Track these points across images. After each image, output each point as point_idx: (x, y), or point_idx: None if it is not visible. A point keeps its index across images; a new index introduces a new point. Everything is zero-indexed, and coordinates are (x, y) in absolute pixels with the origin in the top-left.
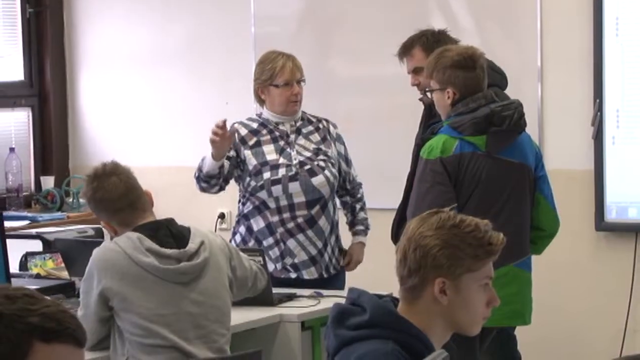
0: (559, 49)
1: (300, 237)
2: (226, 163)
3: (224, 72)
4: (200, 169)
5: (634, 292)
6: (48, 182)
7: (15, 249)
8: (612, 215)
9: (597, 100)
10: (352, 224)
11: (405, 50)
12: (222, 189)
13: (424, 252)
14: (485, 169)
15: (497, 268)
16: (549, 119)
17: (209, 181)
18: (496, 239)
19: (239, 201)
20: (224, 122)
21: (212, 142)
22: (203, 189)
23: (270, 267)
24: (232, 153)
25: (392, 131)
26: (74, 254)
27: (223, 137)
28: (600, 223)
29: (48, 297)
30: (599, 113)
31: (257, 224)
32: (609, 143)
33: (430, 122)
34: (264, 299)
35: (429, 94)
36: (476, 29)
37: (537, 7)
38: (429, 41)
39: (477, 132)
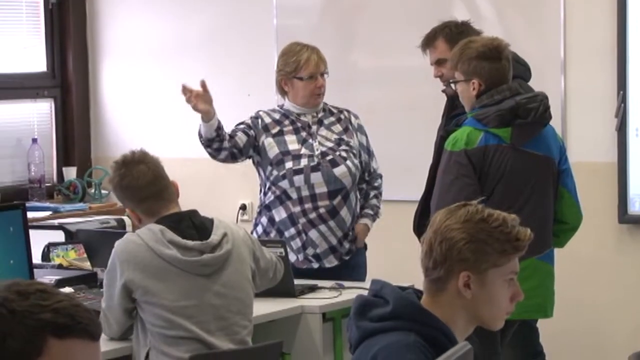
0: (582, 41)
1: (322, 227)
2: (241, 135)
3: (245, 64)
4: (200, 136)
5: None
6: (70, 173)
7: (38, 240)
8: (635, 207)
9: (621, 92)
10: (362, 208)
11: (429, 42)
12: (233, 156)
13: (450, 245)
14: (509, 162)
15: (522, 260)
16: (572, 111)
17: (211, 145)
18: (523, 234)
19: (260, 191)
20: (203, 82)
21: (188, 103)
22: (212, 156)
23: (292, 257)
24: (251, 132)
25: (414, 123)
26: (96, 244)
27: (197, 97)
28: (624, 215)
29: (64, 290)
30: (622, 105)
31: (279, 214)
32: (632, 135)
33: (452, 113)
34: (285, 291)
35: (453, 86)
36: (498, 19)
37: (562, 3)
38: (452, 32)
39: (502, 125)
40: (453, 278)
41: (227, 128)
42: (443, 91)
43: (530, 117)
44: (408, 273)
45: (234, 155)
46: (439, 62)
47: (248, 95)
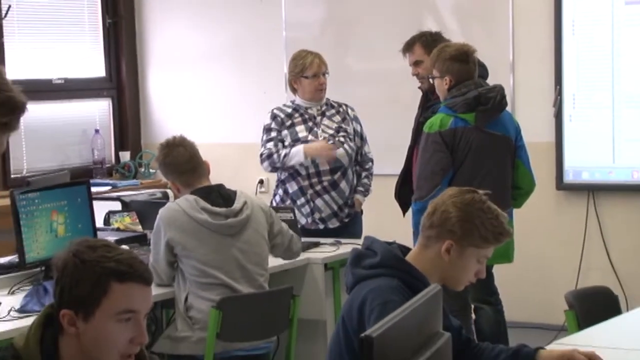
0: (526, 47)
1: (326, 197)
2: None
3: (261, 68)
4: (276, 162)
5: (587, 239)
6: (125, 156)
7: (100, 209)
8: (569, 177)
9: (558, 87)
10: (356, 186)
11: (408, 47)
12: None
13: (447, 216)
14: (474, 140)
15: None
16: (519, 102)
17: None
18: (507, 233)
19: (279, 172)
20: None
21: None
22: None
23: (302, 220)
24: (279, 136)
25: (396, 113)
26: (146, 212)
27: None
28: (560, 184)
29: (124, 246)
30: (558, 97)
31: (292, 187)
32: (567, 120)
33: (427, 105)
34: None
35: (431, 80)
36: (461, 30)
37: (510, 14)
38: (428, 40)
39: (468, 110)
40: (439, 241)
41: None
42: (419, 87)
43: (490, 104)
44: (393, 231)
45: None
46: (416, 64)
47: (264, 92)
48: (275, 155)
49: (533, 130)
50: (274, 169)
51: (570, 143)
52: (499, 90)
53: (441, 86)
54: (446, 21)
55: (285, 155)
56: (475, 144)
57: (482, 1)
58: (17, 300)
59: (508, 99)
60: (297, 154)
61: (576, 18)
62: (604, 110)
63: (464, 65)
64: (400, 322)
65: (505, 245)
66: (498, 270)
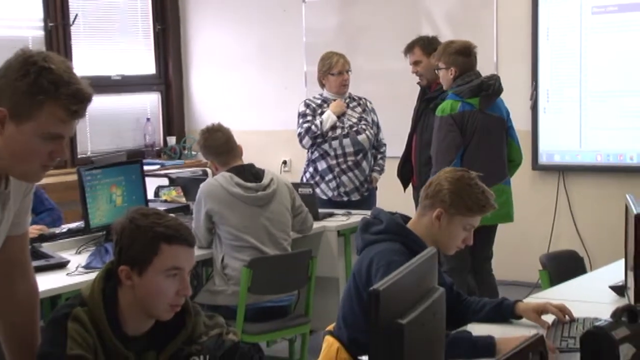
0: (508, 50)
1: (350, 174)
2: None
3: (284, 67)
4: (314, 132)
5: (557, 211)
6: (171, 140)
7: (151, 184)
8: (543, 159)
9: (534, 83)
10: (373, 165)
11: (409, 49)
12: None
13: (440, 188)
14: (479, 121)
15: (492, 185)
16: (502, 96)
17: (315, 137)
18: (489, 206)
19: (308, 150)
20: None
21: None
22: (302, 141)
23: (329, 194)
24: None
25: (398, 105)
26: (189, 186)
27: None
28: (535, 165)
29: (171, 215)
30: (534, 92)
31: (321, 165)
32: (541, 112)
33: (424, 98)
34: (313, 217)
35: (436, 71)
36: (453, 35)
37: (494, 22)
38: (425, 43)
39: (473, 96)
40: (432, 210)
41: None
42: (418, 83)
43: (491, 90)
44: (396, 204)
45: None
46: (415, 63)
47: (285, 88)
48: (313, 126)
49: (513, 119)
50: (314, 140)
51: (544, 131)
52: (496, 78)
53: (446, 76)
54: (440, 28)
55: (320, 122)
56: (480, 124)
57: (471, 11)
58: (83, 258)
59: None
60: (328, 117)
61: (550, 26)
62: (572, 104)
63: (467, 58)
64: (402, 279)
65: (507, 207)
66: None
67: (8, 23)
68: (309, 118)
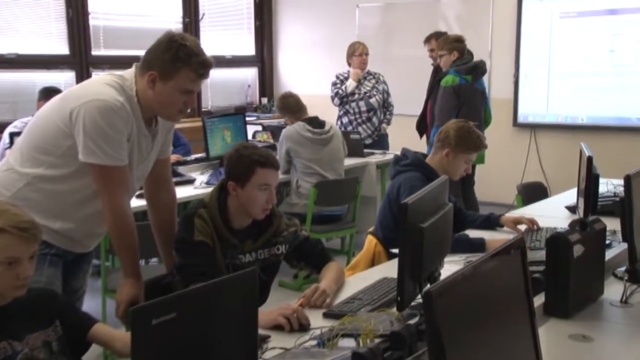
0: (499, 42)
1: (364, 126)
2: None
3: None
4: (343, 92)
5: (529, 155)
6: (264, 100)
7: (250, 129)
8: (520, 119)
9: (516, 65)
10: (382, 119)
11: (427, 40)
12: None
13: (448, 134)
14: (470, 92)
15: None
16: (493, 74)
17: (342, 98)
18: (482, 146)
19: (338, 109)
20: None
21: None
22: (334, 100)
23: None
24: (341, 86)
25: (418, 80)
26: (275, 131)
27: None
28: (515, 123)
29: (263, 148)
30: (516, 72)
31: (345, 119)
32: (521, 86)
33: (436, 77)
34: (359, 154)
35: (439, 58)
36: (459, 31)
37: (490, 22)
38: (439, 36)
39: (468, 73)
40: (442, 149)
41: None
42: (432, 64)
43: (480, 70)
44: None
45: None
46: (431, 50)
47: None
48: (340, 90)
49: (501, 90)
50: (341, 100)
51: (522, 99)
52: (484, 62)
53: (448, 59)
54: (451, 25)
55: (345, 88)
56: (471, 94)
57: (473, 14)
58: (204, 177)
59: (487, 73)
60: (350, 84)
61: (529, 26)
62: (542, 80)
63: (462, 44)
64: (423, 196)
65: (481, 155)
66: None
67: (158, 18)
68: (338, 85)
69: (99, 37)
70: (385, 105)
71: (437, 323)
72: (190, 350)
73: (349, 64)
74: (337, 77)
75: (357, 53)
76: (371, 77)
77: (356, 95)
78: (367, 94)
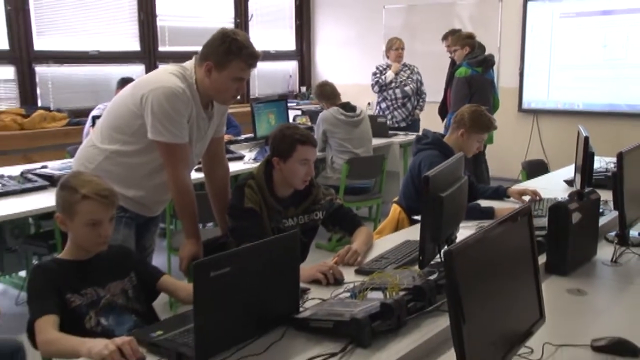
0: (507, 39)
1: (399, 111)
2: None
3: (370, 48)
4: (382, 80)
5: (531, 136)
6: (303, 89)
7: (291, 114)
8: (524, 105)
9: (521, 59)
10: (416, 105)
11: (445, 37)
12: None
13: (463, 117)
14: (480, 82)
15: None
16: (502, 67)
17: (382, 86)
18: (493, 127)
19: (377, 96)
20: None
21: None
22: (374, 87)
23: (388, 122)
24: (381, 76)
25: (438, 71)
26: (313, 115)
27: None
28: (520, 109)
29: (303, 128)
30: (522, 64)
31: (383, 105)
32: (525, 77)
33: (453, 69)
34: (384, 135)
35: (454, 52)
36: (472, 29)
37: (499, 21)
38: (454, 33)
39: (478, 65)
40: (458, 130)
41: (363, 71)
42: (450, 57)
43: (489, 62)
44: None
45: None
46: (448, 46)
47: (371, 59)
48: (380, 80)
49: (508, 80)
50: (380, 88)
51: (526, 88)
52: (492, 56)
53: (461, 53)
54: (465, 24)
55: (384, 77)
56: (481, 83)
57: (484, 14)
58: (252, 154)
59: (496, 66)
60: (389, 75)
61: (533, 24)
62: (544, 72)
63: (473, 40)
64: (442, 170)
65: (491, 136)
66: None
67: (213, 19)
68: (378, 75)
69: (164, 36)
70: (419, 93)
71: (455, 277)
72: (243, 299)
73: (387, 57)
74: (377, 68)
75: (394, 47)
76: (406, 68)
77: (393, 84)
78: (403, 83)
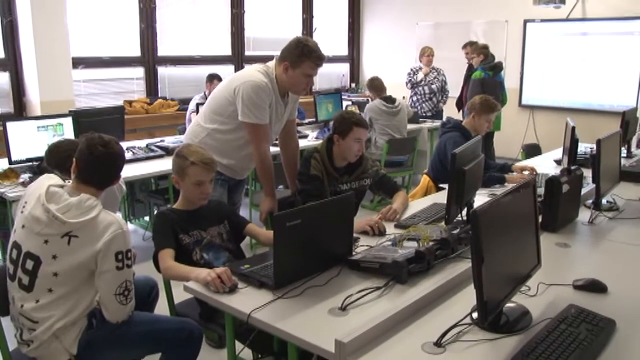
0: (511, 51)
1: (426, 104)
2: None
3: (408, 53)
4: (417, 78)
5: (527, 126)
6: (353, 84)
7: (343, 104)
8: (523, 102)
9: (522, 66)
10: (439, 100)
11: (464, 46)
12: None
13: (474, 104)
14: (492, 83)
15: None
16: (508, 72)
17: (414, 84)
18: (497, 109)
19: (410, 91)
20: None
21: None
22: (407, 84)
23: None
24: (414, 76)
25: (458, 74)
26: (361, 105)
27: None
28: (519, 104)
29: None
30: (522, 70)
31: (415, 98)
32: (525, 79)
33: (469, 72)
34: (416, 121)
35: (471, 60)
36: (485, 41)
37: (505, 37)
38: (472, 44)
39: (490, 69)
40: (470, 113)
41: (401, 72)
42: (467, 62)
43: (499, 68)
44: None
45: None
46: (467, 53)
47: (409, 61)
48: (412, 79)
49: (512, 82)
50: (412, 85)
51: (525, 88)
52: (501, 62)
53: (478, 60)
54: (479, 38)
55: (416, 77)
56: (492, 84)
57: (495, 31)
58: (314, 133)
59: (503, 71)
60: (420, 75)
61: (532, 40)
62: (539, 76)
63: (487, 50)
64: (465, 149)
65: (497, 123)
66: (495, 135)
67: (286, 31)
68: (411, 75)
69: (250, 43)
70: (443, 91)
71: (479, 231)
72: (309, 243)
73: (420, 61)
74: (411, 70)
75: (426, 54)
76: (434, 70)
77: (422, 82)
78: (430, 82)
